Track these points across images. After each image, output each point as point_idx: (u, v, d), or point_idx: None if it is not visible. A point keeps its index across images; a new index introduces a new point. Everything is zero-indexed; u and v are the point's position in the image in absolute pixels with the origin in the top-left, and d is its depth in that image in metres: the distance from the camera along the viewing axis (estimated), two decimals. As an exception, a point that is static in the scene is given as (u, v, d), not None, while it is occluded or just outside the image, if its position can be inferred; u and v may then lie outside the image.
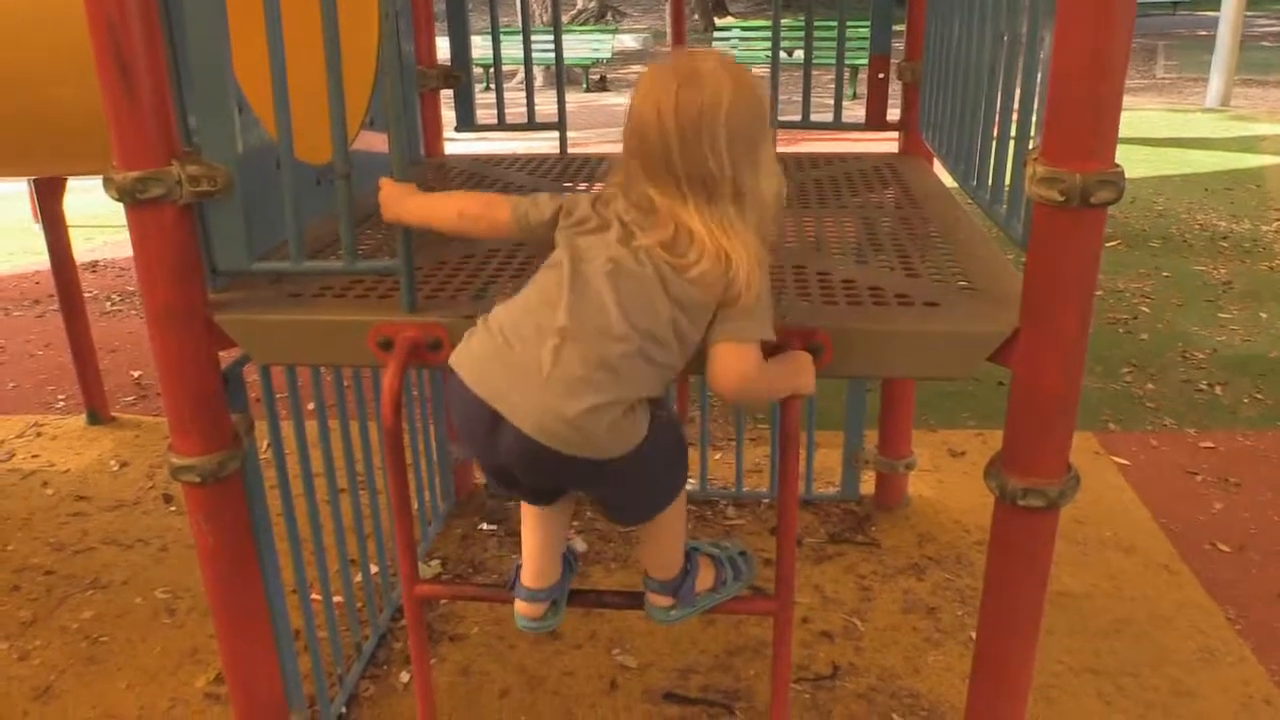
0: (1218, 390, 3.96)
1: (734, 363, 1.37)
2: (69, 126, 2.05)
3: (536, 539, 1.60)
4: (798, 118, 2.67)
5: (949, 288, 1.64)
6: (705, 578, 1.64)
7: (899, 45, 2.61)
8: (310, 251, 1.77)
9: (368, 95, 2.36)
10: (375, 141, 2.34)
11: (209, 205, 1.56)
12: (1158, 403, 3.85)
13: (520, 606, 1.64)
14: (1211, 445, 3.49)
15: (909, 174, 2.41)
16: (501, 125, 2.76)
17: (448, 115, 2.78)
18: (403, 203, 1.56)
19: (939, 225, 2.02)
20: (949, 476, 3.24)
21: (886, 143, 2.76)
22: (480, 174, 2.53)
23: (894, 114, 2.66)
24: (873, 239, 1.95)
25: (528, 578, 1.63)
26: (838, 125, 2.68)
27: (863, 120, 2.65)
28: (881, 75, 2.60)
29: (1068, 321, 1.43)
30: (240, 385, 1.75)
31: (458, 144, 3.00)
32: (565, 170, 2.55)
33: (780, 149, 2.61)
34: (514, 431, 1.33)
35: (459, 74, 2.67)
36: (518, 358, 1.34)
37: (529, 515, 1.59)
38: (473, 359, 1.38)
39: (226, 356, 1.69)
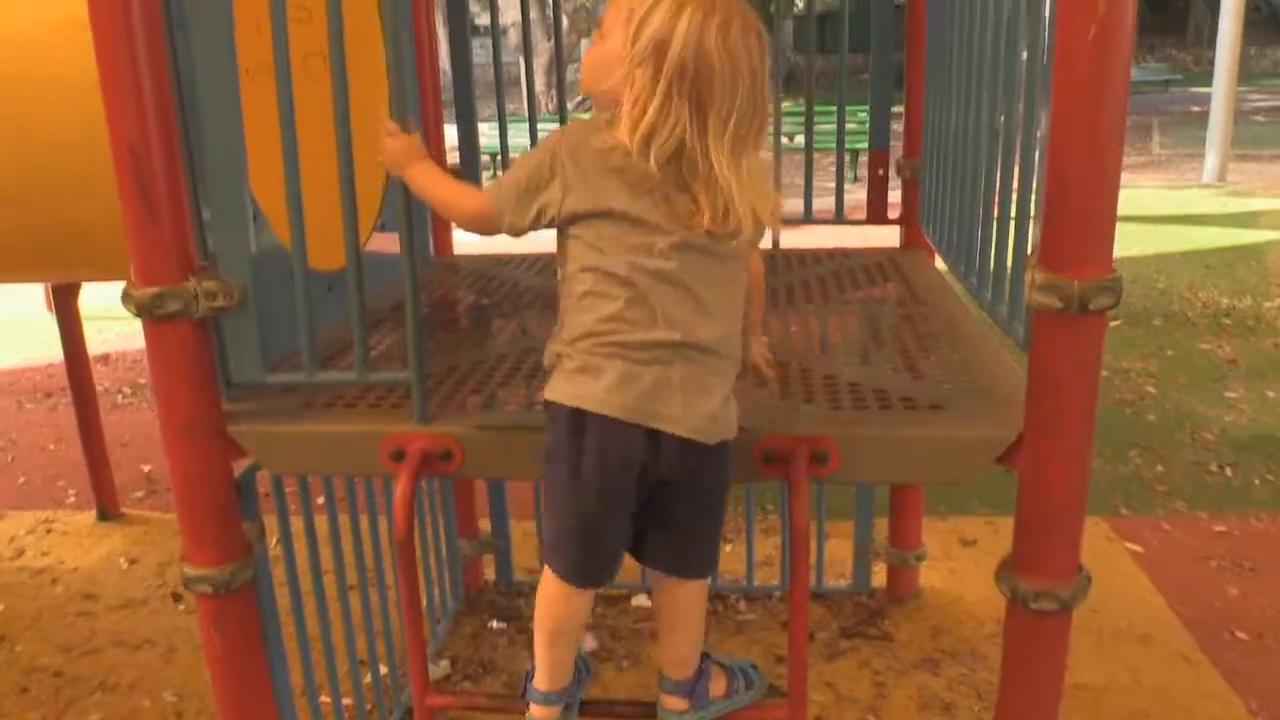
0: (1228, 472, 3.95)
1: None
2: (96, 237, 2.10)
3: (562, 624, 1.56)
4: (800, 211, 2.72)
5: (953, 389, 1.66)
6: (718, 684, 1.64)
7: (898, 127, 2.67)
8: (322, 356, 1.80)
9: (379, 198, 2.41)
10: (386, 243, 2.39)
11: (224, 318, 1.60)
12: (1168, 485, 3.83)
13: (534, 710, 1.63)
14: (1225, 529, 3.47)
15: (910, 268, 2.45)
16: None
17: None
18: (408, 167, 1.56)
19: (941, 321, 2.05)
20: (961, 566, 3.22)
21: (889, 229, 2.81)
22: (489, 274, 2.57)
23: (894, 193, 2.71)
24: (876, 337, 1.98)
25: (541, 681, 1.61)
26: (840, 221, 2.73)
27: (863, 214, 2.71)
28: (881, 171, 2.66)
29: (1072, 425, 1.44)
30: (252, 493, 1.76)
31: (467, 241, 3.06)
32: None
33: (784, 244, 2.68)
34: (673, 441, 1.39)
35: (468, 177, 2.73)
36: (653, 377, 1.38)
37: (560, 599, 1.53)
38: (610, 393, 1.38)
39: (239, 463, 1.71)
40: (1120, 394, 4.82)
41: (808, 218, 2.72)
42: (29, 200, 2.12)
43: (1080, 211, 1.35)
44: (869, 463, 1.52)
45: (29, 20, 2.10)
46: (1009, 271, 1.66)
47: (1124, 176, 1.41)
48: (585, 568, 1.49)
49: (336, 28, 1.51)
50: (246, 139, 1.59)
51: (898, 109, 2.68)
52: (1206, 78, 14.37)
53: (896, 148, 2.73)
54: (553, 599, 1.54)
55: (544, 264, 2.67)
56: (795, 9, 21.90)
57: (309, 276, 1.63)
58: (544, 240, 2.86)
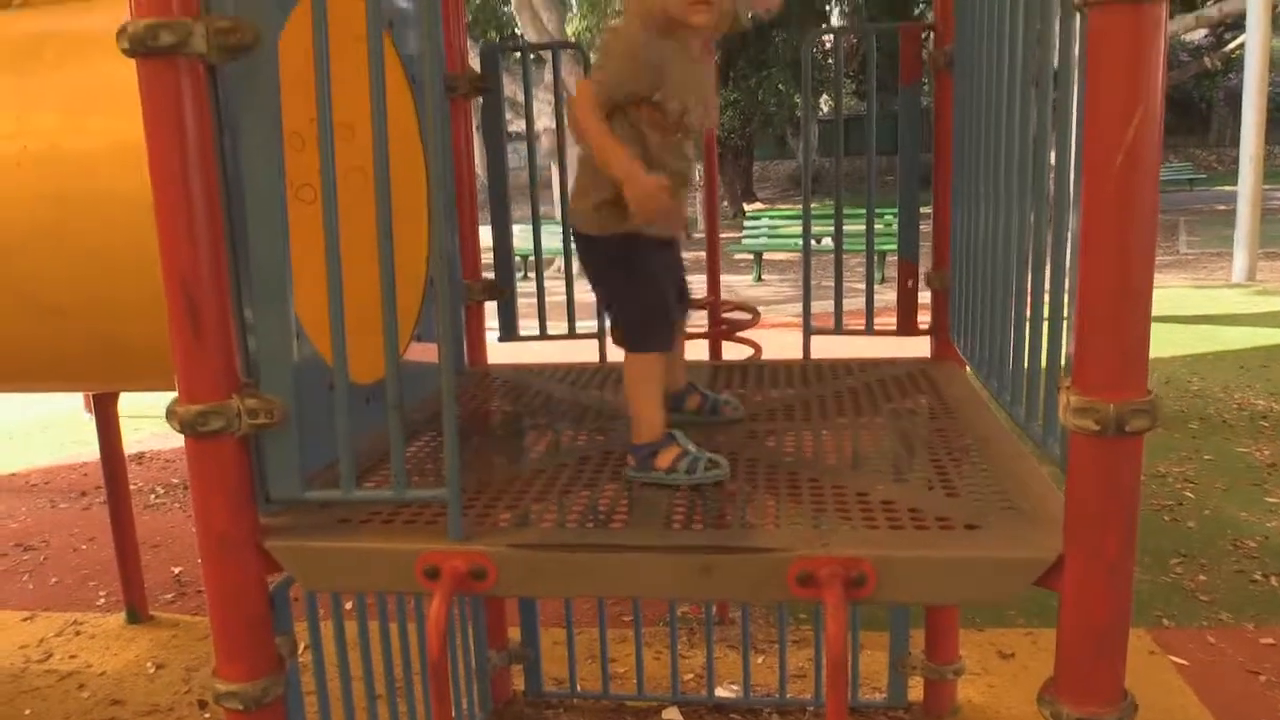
0: (1274, 581, 3.85)
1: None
2: (138, 351, 2.16)
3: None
4: (831, 325, 2.75)
5: (989, 508, 1.65)
6: (665, 459, 1.86)
7: (926, 228, 2.70)
8: (360, 468, 1.82)
9: (416, 310, 2.47)
10: (423, 353, 2.43)
11: (264, 435, 1.63)
12: (1212, 596, 3.74)
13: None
14: (1272, 641, 3.37)
15: (942, 380, 2.45)
16: (543, 336, 2.87)
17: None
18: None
19: (974, 435, 2.04)
20: (999, 680, 3.14)
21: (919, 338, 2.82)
22: (523, 384, 2.60)
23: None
24: (910, 452, 1.97)
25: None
26: (870, 332, 2.75)
27: (893, 315, 2.74)
28: (911, 283, 2.69)
29: (1113, 547, 1.43)
30: (285, 607, 1.77)
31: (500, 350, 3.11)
32: (605, 380, 2.62)
33: (814, 354, 2.70)
34: None
35: (504, 289, 2.79)
36: None
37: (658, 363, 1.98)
38: None
39: (274, 576, 1.72)
40: (1158, 500, 4.74)
41: (838, 329, 2.74)
42: (76, 314, 2.18)
43: (1113, 335, 1.36)
44: (906, 585, 1.50)
45: (87, 141, 2.19)
46: (1042, 390, 1.66)
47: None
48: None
49: (382, 147, 1.57)
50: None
51: (926, 209, 2.71)
52: (1230, 176, 14.46)
53: (925, 247, 2.76)
54: (654, 369, 1.95)
55: (575, 375, 2.70)
56: (821, 113, 22.41)
57: (348, 392, 1.66)
58: (574, 351, 2.88)
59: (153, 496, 5.46)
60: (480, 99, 2.81)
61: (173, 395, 1.58)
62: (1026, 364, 1.77)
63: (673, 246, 2.11)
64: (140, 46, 1.45)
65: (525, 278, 11.29)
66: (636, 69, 1.85)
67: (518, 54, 3.66)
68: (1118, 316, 1.35)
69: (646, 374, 1.95)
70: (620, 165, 1.83)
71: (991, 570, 1.49)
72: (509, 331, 2.86)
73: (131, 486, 4.74)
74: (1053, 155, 1.68)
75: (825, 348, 2.75)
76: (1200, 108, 31.22)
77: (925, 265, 2.71)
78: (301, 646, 2.71)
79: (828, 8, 22.05)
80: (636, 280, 1.98)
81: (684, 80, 1.89)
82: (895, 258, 2.81)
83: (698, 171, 2.15)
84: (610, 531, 1.63)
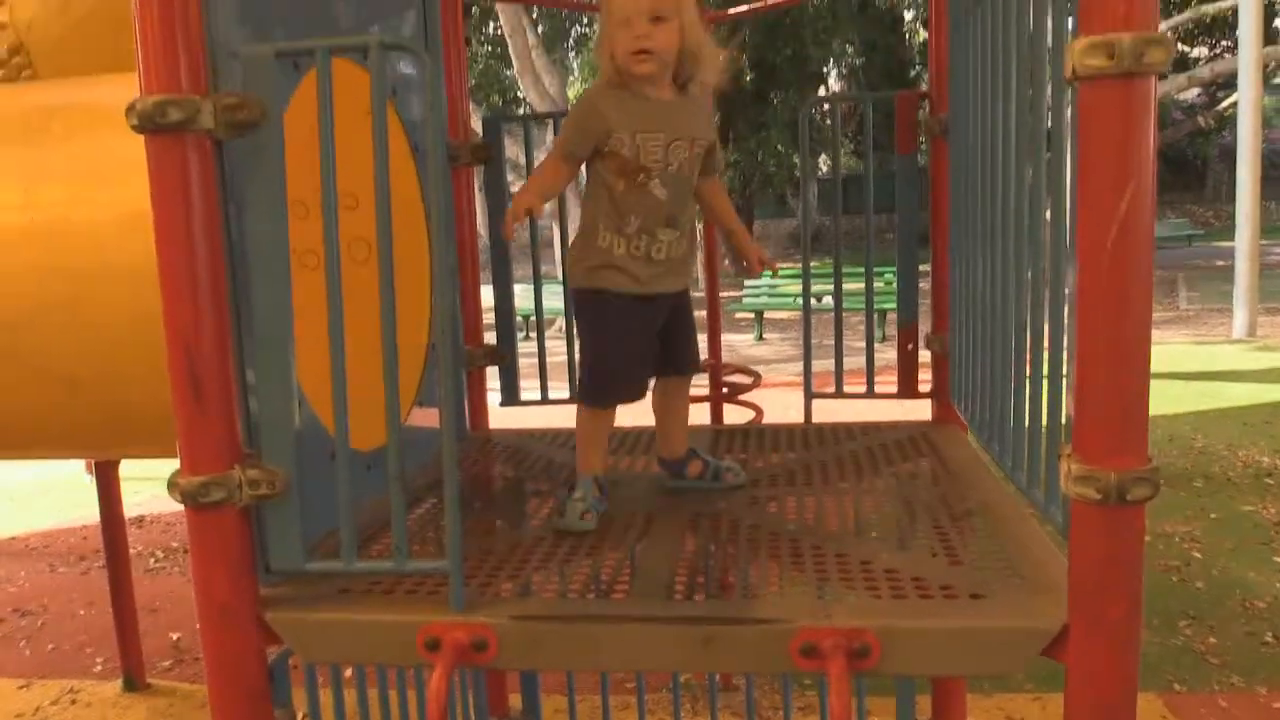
0: (1284, 643, 3.81)
1: None
2: (141, 420, 2.16)
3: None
4: (831, 388, 2.75)
5: (993, 575, 1.64)
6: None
7: (925, 285, 2.72)
8: (360, 536, 1.81)
9: (418, 376, 2.47)
10: (425, 418, 2.43)
11: (265, 505, 1.62)
12: (1222, 658, 3.69)
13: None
14: (1285, 706, 3.33)
15: (943, 443, 2.45)
16: (544, 401, 2.87)
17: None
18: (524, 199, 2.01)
19: (977, 501, 2.03)
20: (1008, 747, 3.09)
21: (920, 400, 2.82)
22: (524, 449, 2.60)
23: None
24: (912, 518, 1.97)
25: None
26: (871, 395, 2.75)
27: (894, 374, 2.74)
28: (911, 346, 2.70)
29: (1118, 616, 1.42)
30: (285, 678, 1.74)
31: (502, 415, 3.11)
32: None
33: (815, 416, 2.70)
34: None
35: (505, 354, 2.80)
36: None
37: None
38: None
39: (273, 647, 1.70)
40: (1166, 560, 4.70)
41: (839, 392, 2.75)
42: (87, 385, 2.19)
43: (1111, 404, 1.36)
44: (911, 656, 1.49)
45: (95, 213, 2.22)
46: (1043, 457, 1.66)
47: (1153, 333, 1.43)
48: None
49: (385, 218, 1.59)
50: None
51: (925, 267, 2.73)
52: (1227, 232, 14.56)
53: (924, 304, 2.76)
54: (597, 424, 2.12)
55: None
56: (821, 172, 22.65)
57: (350, 460, 1.66)
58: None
59: (152, 560, 5.43)
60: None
61: (174, 463, 1.59)
62: (1027, 431, 1.77)
63: (656, 304, 2.08)
64: (149, 123, 1.47)
65: (527, 337, 11.33)
66: (585, 123, 2.02)
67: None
68: (1116, 385, 1.36)
69: (588, 428, 2.09)
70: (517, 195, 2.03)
71: (996, 641, 1.48)
72: (510, 396, 2.87)
73: (131, 550, 4.72)
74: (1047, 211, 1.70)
75: (827, 408, 2.76)
76: (1196, 164, 31.53)
77: (925, 324, 2.72)
78: (300, 715, 2.68)
79: (825, 70, 22.40)
80: (596, 334, 2.08)
81: (637, 122, 1.99)
82: (895, 314, 2.83)
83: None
84: (611, 602, 1.62)
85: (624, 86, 2.01)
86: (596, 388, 2.08)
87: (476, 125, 2.84)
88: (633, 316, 2.05)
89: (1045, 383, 1.67)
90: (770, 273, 2.28)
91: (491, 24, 18.86)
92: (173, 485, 1.57)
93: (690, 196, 2.10)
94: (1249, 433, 7.15)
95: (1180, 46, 22.62)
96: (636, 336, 2.07)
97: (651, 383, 2.19)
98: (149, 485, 6.70)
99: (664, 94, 2.04)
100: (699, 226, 3.55)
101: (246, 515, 1.60)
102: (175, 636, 4.34)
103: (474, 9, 16.58)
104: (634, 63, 1.97)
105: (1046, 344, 1.67)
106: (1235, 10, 12.72)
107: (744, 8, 3.70)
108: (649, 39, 1.95)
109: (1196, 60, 22.09)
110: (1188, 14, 18.23)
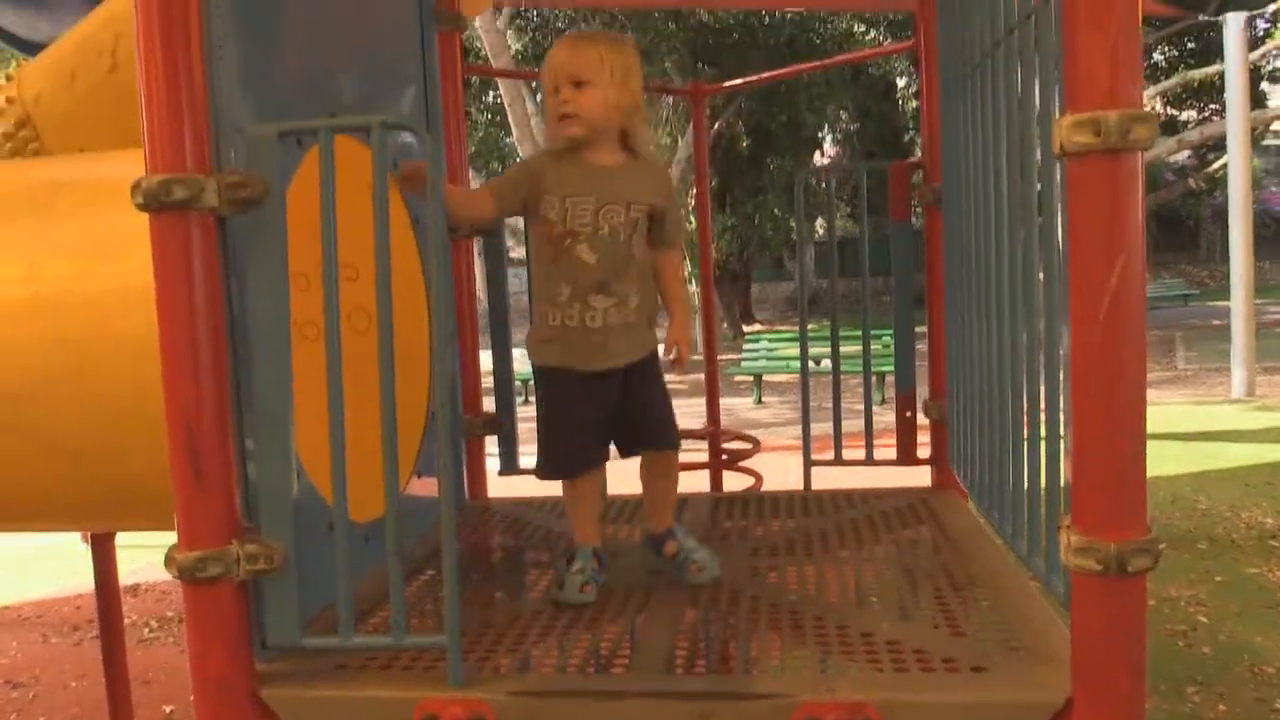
0: (1294, 710, 3.75)
1: None
2: (140, 492, 2.16)
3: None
4: (830, 455, 2.75)
5: (995, 647, 1.63)
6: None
7: (922, 346, 2.73)
8: (358, 609, 1.80)
9: (417, 447, 2.48)
10: (423, 487, 2.43)
11: (263, 580, 1.61)
12: (1232, 727, 3.63)
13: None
14: (1297, 776, 3.26)
15: (943, 511, 2.45)
16: (544, 477, 2.86)
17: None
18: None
19: (978, 569, 2.03)
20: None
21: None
22: (523, 518, 2.59)
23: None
24: (914, 587, 1.96)
25: None
26: (870, 462, 2.76)
27: (893, 437, 2.75)
28: (909, 414, 2.70)
29: (1122, 685, 1.41)
30: (280, 756, 1.72)
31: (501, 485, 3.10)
32: (604, 514, 2.60)
33: (815, 485, 2.70)
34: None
35: (503, 422, 2.81)
36: None
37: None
38: None
39: None
40: (1171, 624, 4.65)
41: (838, 459, 2.75)
42: (89, 457, 2.19)
43: (1109, 475, 1.37)
44: (914, 731, 1.47)
45: (96, 285, 2.24)
46: (1044, 529, 1.66)
47: (1152, 393, 1.44)
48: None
49: (385, 295, 1.60)
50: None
51: (922, 328, 2.74)
52: (1222, 291, 14.65)
53: (922, 365, 2.77)
54: (575, 492, 2.11)
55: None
56: (817, 235, 22.87)
57: (348, 534, 1.65)
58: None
59: (146, 630, 5.36)
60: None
61: (173, 533, 1.58)
62: (1026, 500, 1.77)
63: (607, 380, 2.04)
64: (154, 201, 1.49)
65: (526, 401, 11.36)
66: (520, 175, 2.08)
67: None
68: (1112, 456, 1.37)
69: (569, 497, 2.10)
70: None
71: (1000, 715, 1.47)
72: (509, 464, 2.87)
73: (125, 619, 4.66)
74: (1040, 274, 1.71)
75: (826, 473, 2.75)
76: (1189, 225, 31.83)
77: (924, 386, 2.73)
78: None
79: (820, 135, 22.73)
80: (542, 408, 2.10)
81: (568, 186, 2.00)
82: (893, 376, 2.84)
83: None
84: (611, 677, 1.61)
85: (568, 151, 2.03)
86: (543, 460, 2.10)
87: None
88: (576, 393, 2.04)
89: (1043, 451, 1.67)
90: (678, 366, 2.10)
91: (491, 92, 19.18)
92: (170, 560, 1.57)
93: (631, 264, 2.03)
94: (1251, 494, 7.11)
95: (1169, 110, 23.00)
96: (581, 411, 2.04)
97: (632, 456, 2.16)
98: (145, 553, 6.64)
99: (605, 159, 2.04)
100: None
101: (244, 590, 1.60)
102: (169, 709, 4.27)
103: (473, 80, 16.87)
104: (560, 127, 2.00)
105: (1044, 410, 1.67)
106: (1221, 75, 12.96)
107: (739, 81, 3.77)
108: (570, 103, 1.98)
109: (1186, 124, 22.44)
110: (1175, 79, 18.56)
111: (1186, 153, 21.42)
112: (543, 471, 2.11)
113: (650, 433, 2.12)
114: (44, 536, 7.29)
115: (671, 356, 2.11)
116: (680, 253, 2.21)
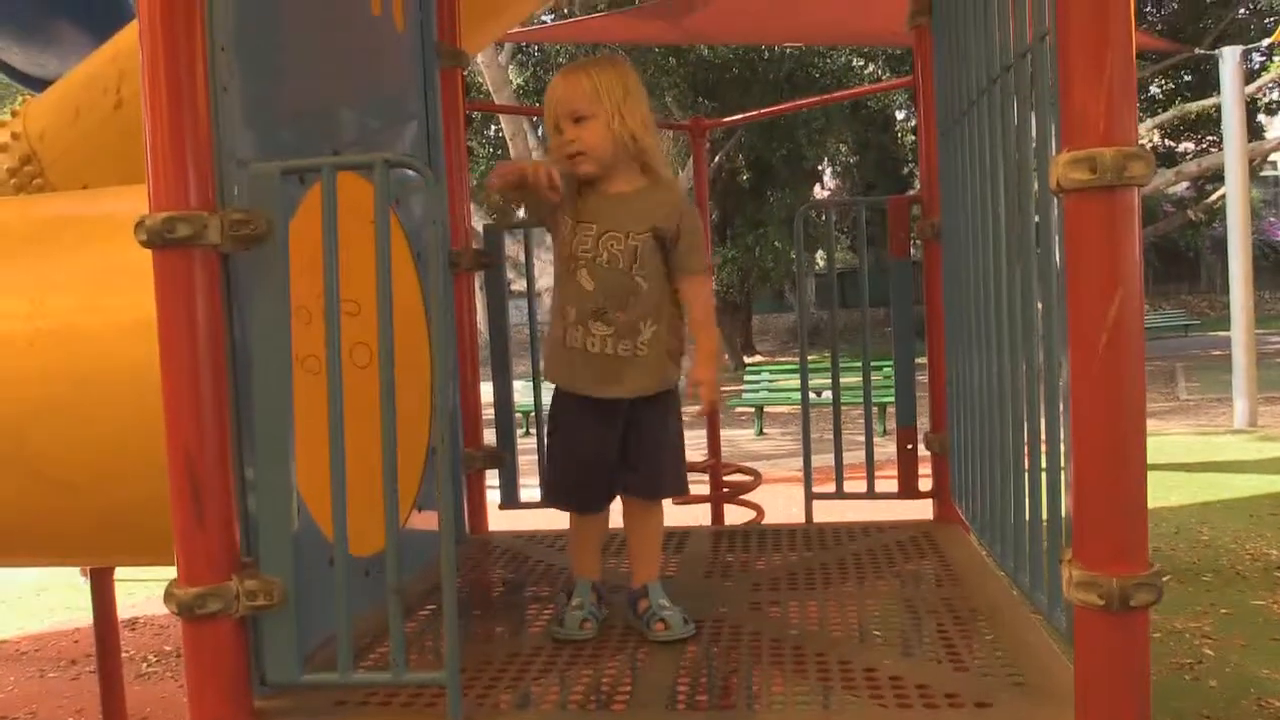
0: (1302, 744, 3.71)
1: None
2: (138, 525, 2.16)
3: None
4: (831, 487, 2.75)
5: (998, 683, 1.62)
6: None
7: (923, 377, 2.73)
8: (357, 645, 1.79)
9: (417, 480, 2.47)
10: (424, 521, 2.42)
11: (262, 615, 1.61)
12: (1240, 762, 3.60)
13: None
14: (1306, 812, 3.23)
15: (945, 544, 2.44)
16: (545, 504, 2.86)
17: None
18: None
19: (981, 603, 2.02)
20: None
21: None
22: (523, 552, 2.58)
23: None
24: (916, 622, 1.95)
25: None
26: (871, 495, 2.75)
27: (894, 469, 2.74)
28: (910, 446, 2.70)
29: (1126, 719, 1.39)
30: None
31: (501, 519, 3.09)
32: (606, 548, 2.60)
33: (816, 517, 2.69)
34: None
35: (504, 456, 2.81)
36: None
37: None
38: None
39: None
40: (1177, 657, 4.61)
41: (839, 491, 2.74)
42: (87, 490, 2.19)
43: (1110, 510, 1.36)
44: (917, 768, 1.46)
45: (99, 319, 2.25)
46: (1046, 564, 1.65)
47: (1154, 423, 1.44)
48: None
49: (387, 330, 1.61)
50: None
51: (922, 359, 2.74)
52: (1223, 322, 14.65)
53: (923, 395, 2.77)
54: (575, 524, 2.09)
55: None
56: (817, 267, 22.94)
57: (348, 568, 1.65)
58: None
59: (144, 665, 5.32)
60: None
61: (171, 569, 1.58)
62: (1028, 536, 1.76)
63: (613, 408, 1.97)
64: (157, 239, 1.50)
65: (526, 433, 11.33)
66: (566, 180, 1.98)
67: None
68: (1113, 490, 1.36)
69: (571, 531, 2.09)
70: None
71: (1004, 752, 1.45)
72: (510, 497, 2.86)
73: (123, 654, 4.64)
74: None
75: (828, 505, 2.75)
76: (1189, 256, 31.90)
77: (924, 418, 2.73)
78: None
79: (820, 167, 22.84)
80: (551, 436, 2.09)
81: (579, 212, 1.98)
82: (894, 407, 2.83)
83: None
84: (612, 713, 1.60)
85: (586, 182, 2.01)
86: (547, 488, 2.09)
87: (479, 223, 2.89)
88: (582, 419, 1.99)
89: (1044, 484, 1.67)
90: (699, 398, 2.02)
91: (493, 126, 19.31)
92: (169, 595, 1.56)
93: (635, 294, 1.94)
94: (1256, 525, 7.07)
95: (1167, 142, 23.12)
96: (586, 440, 1.99)
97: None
98: (144, 587, 6.61)
99: (621, 186, 2.00)
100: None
101: (243, 626, 1.59)
102: (166, 746, 4.24)
103: (475, 115, 16.99)
104: (572, 166, 1.98)
105: (1044, 443, 1.67)
106: (1219, 108, 13.04)
107: (739, 116, 3.81)
108: (575, 142, 1.96)
109: (1184, 155, 22.54)
110: (1172, 112, 18.69)
111: (1185, 184, 21.52)
112: (547, 499, 2.10)
113: (638, 476, 2.02)
114: (43, 570, 7.26)
115: (693, 396, 2.02)
116: (703, 281, 2.06)
